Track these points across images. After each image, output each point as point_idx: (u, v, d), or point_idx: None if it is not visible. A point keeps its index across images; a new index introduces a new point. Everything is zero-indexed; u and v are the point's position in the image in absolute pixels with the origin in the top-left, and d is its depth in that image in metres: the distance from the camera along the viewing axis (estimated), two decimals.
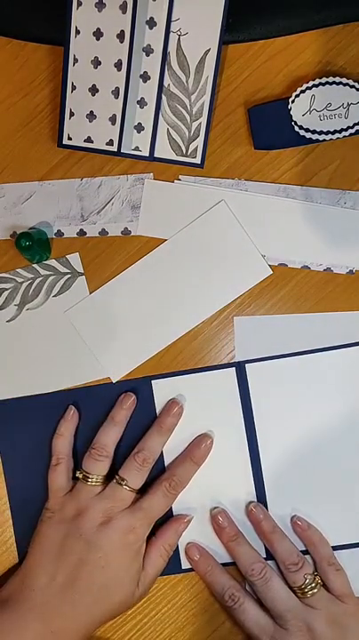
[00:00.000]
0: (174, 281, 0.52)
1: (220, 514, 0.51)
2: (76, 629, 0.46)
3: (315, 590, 0.48)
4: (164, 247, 0.52)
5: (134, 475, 0.49)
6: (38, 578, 0.47)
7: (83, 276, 0.52)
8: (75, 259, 0.52)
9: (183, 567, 0.52)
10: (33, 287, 0.52)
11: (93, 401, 0.52)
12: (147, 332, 0.52)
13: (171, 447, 0.51)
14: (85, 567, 0.47)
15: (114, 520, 0.48)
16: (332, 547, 0.51)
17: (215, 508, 0.51)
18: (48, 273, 0.52)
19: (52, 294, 0.52)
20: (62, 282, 0.52)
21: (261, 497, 0.51)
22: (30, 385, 0.52)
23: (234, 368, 0.52)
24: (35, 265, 0.52)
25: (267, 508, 0.51)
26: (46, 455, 0.51)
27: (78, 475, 0.50)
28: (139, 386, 0.52)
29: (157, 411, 0.52)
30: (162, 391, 0.52)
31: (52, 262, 0.52)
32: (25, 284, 0.52)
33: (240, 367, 0.52)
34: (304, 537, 0.50)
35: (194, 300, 0.52)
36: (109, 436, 0.50)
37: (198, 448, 0.51)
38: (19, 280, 0.52)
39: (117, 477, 0.49)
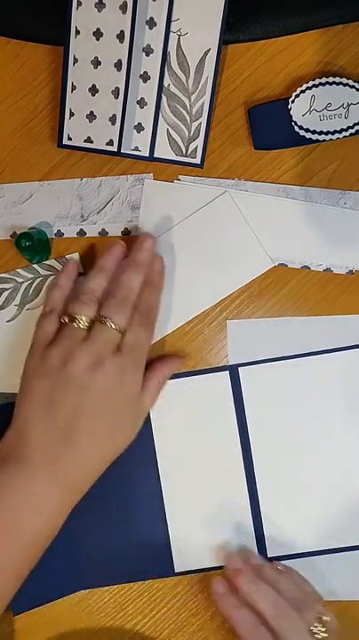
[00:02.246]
0: (174, 271, 0.51)
1: (221, 583, 0.48)
2: (84, 474, 0.45)
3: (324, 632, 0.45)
4: (165, 238, 0.51)
5: (115, 312, 0.46)
6: (33, 431, 0.44)
7: (84, 277, 0.52)
8: (74, 259, 0.52)
9: (176, 570, 0.51)
10: (33, 287, 0.52)
11: None
12: None
13: (166, 451, 0.51)
14: (84, 412, 0.44)
15: (105, 362, 0.45)
16: (330, 549, 0.51)
17: (216, 575, 0.49)
18: (48, 273, 0.52)
19: None
20: None
21: (254, 500, 0.51)
22: None
23: (227, 371, 0.52)
24: (35, 265, 0.52)
25: (260, 511, 0.51)
26: None
27: (64, 319, 0.47)
28: None
29: (151, 412, 0.51)
30: None
31: (52, 262, 0.52)
32: (25, 284, 0.52)
33: (233, 370, 0.52)
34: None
35: (192, 292, 0.52)
36: (98, 283, 0.48)
37: (152, 272, 0.49)
38: (19, 280, 0.52)
39: (100, 316, 0.46)
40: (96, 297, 0.47)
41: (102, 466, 0.46)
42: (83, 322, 0.46)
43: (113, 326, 0.46)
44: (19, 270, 0.52)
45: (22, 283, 0.52)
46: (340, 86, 0.48)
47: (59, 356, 0.46)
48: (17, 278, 0.52)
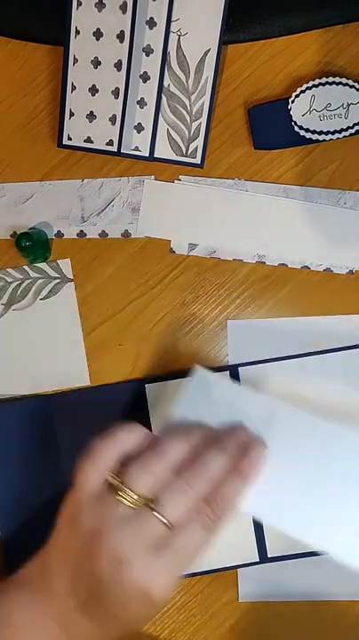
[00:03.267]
0: None
1: None
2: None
3: None
4: None
5: (173, 499, 0.37)
6: (56, 579, 0.39)
7: (72, 283, 0.52)
8: (66, 264, 0.52)
9: None
10: (21, 288, 0.52)
11: (75, 406, 0.51)
12: None
13: None
14: (103, 599, 0.38)
15: (132, 565, 0.37)
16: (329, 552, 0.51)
17: None
18: (38, 276, 0.52)
19: (40, 297, 0.52)
20: (51, 286, 0.52)
21: None
22: (12, 386, 0.52)
23: (227, 371, 0.51)
24: (25, 267, 0.52)
25: None
26: (28, 458, 0.50)
27: (111, 479, 0.38)
28: (131, 389, 0.51)
29: (150, 415, 0.51)
30: (154, 395, 0.51)
31: (44, 266, 0.52)
32: (14, 285, 0.52)
33: (233, 370, 0.51)
34: None
35: None
36: (176, 450, 0.39)
37: (248, 461, 0.40)
38: (9, 280, 0.52)
39: (150, 500, 0.38)
40: (162, 467, 0.39)
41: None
42: (129, 499, 0.38)
43: (159, 516, 0.37)
44: (9, 270, 0.52)
45: (11, 283, 0.52)
46: (340, 86, 0.48)
47: (87, 524, 0.38)
48: (7, 278, 0.52)
